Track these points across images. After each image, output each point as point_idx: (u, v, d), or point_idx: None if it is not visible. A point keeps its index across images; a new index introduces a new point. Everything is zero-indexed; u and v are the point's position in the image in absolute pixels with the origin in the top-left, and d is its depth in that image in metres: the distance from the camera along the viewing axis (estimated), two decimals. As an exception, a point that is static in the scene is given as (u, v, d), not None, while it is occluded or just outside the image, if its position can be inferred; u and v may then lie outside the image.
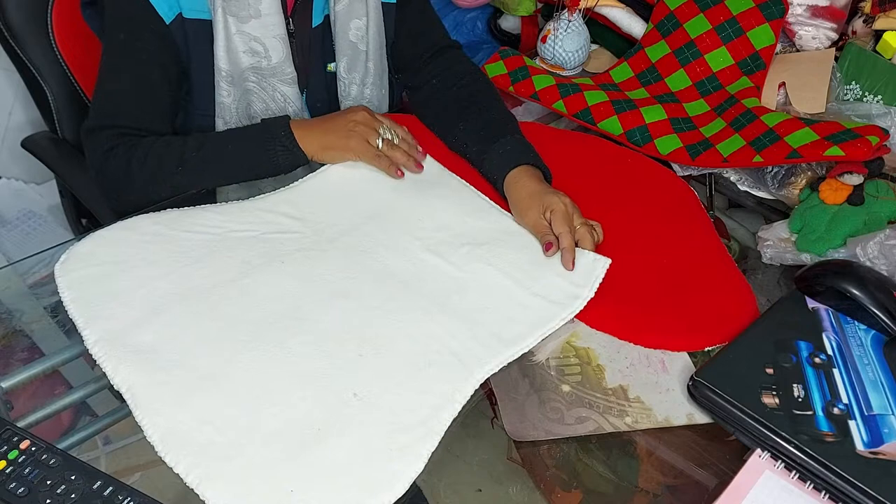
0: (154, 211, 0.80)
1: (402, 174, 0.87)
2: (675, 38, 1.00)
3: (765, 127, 0.85)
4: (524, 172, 0.86)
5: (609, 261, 0.77)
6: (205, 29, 0.87)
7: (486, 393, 0.67)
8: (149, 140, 0.85)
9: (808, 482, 0.57)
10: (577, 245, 0.78)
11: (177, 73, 0.89)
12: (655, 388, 0.67)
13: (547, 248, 0.78)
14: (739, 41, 0.96)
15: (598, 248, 0.80)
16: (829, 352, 0.67)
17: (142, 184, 0.85)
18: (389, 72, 1.04)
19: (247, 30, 0.87)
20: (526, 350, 0.68)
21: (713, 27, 0.98)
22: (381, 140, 0.87)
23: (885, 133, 0.80)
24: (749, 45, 0.96)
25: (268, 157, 0.85)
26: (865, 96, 0.96)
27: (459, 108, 0.96)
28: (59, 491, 0.54)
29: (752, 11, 0.97)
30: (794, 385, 0.63)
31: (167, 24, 0.85)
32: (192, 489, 0.55)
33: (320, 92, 0.99)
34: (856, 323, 0.71)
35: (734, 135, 0.88)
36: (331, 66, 0.98)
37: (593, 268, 0.76)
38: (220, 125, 0.93)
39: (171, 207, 0.81)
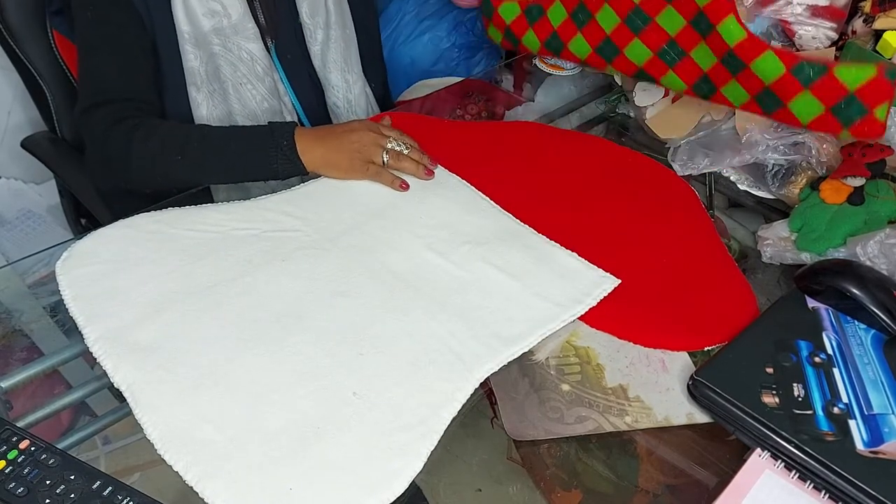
0: (155, 209, 0.80)
1: (407, 186, 0.86)
2: None
3: (760, 84, 0.81)
4: None
5: (618, 281, 0.76)
6: None
7: (486, 392, 0.67)
8: (152, 121, 0.86)
9: (808, 482, 0.57)
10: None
11: (150, 42, 0.89)
12: (655, 387, 0.67)
13: None
14: None
15: (599, 247, 0.80)
16: (829, 351, 0.67)
17: (139, 164, 0.84)
18: (353, 12, 1.05)
19: None
20: (526, 349, 0.68)
21: None
22: (386, 154, 0.87)
23: (891, 80, 0.75)
24: None
25: (267, 163, 0.84)
26: (865, 96, 0.96)
27: None
28: (58, 491, 0.54)
29: None
30: (794, 384, 0.63)
31: None
32: (191, 488, 0.55)
33: (290, 44, 1.00)
34: (856, 322, 0.71)
35: (732, 80, 0.83)
36: (300, 18, 1.00)
37: (601, 283, 0.76)
38: (193, 93, 0.93)
39: (173, 206, 0.81)
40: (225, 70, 0.93)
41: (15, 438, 0.57)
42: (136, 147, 0.83)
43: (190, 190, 0.88)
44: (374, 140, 0.87)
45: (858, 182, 0.81)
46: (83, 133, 0.87)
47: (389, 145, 0.87)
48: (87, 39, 0.88)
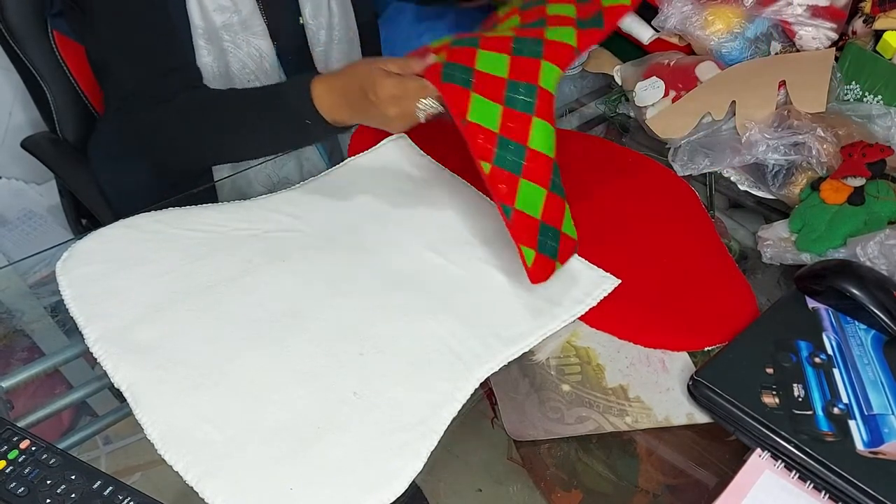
0: (155, 209, 0.80)
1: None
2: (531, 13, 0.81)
3: (525, 136, 0.69)
4: None
5: (618, 281, 0.76)
6: None
7: (486, 392, 0.67)
8: (183, 99, 0.85)
9: (808, 482, 0.58)
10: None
11: (172, 27, 0.89)
12: (655, 387, 0.67)
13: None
14: (590, 4, 0.77)
15: (600, 246, 0.80)
16: (829, 351, 0.67)
17: (181, 142, 0.86)
18: (357, 14, 1.05)
19: None
20: (526, 349, 0.69)
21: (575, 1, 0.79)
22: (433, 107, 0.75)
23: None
24: (597, 5, 0.76)
25: (303, 139, 0.84)
26: (865, 96, 0.96)
27: None
28: (59, 491, 0.54)
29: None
30: (794, 385, 0.63)
31: None
32: (191, 487, 0.55)
33: (292, 45, 1.00)
34: (856, 323, 0.71)
35: (500, 95, 0.70)
36: (301, 19, 0.99)
37: (601, 283, 0.76)
38: None
39: (173, 206, 0.81)
40: (234, 66, 0.94)
41: (16, 438, 0.57)
42: (169, 128, 0.84)
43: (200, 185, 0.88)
44: (408, 110, 0.74)
45: (858, 182, 0.81)
46: (130, 122, 0.88)
47: (421, 107, 0.74)
48: (117, 30, 0.87)
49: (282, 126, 0.80)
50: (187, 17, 0.89)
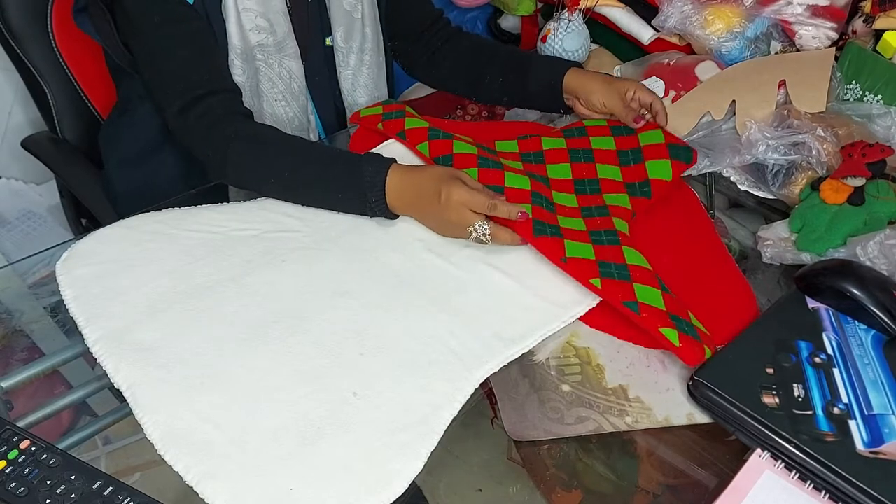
0: (156, 210, 0.80)
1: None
2: (576, 142, 0.94)
3: (621, 259, 0.75)
4: (581, 71, 0.98)
5: None
6: (215, 9, 0.88)
7: (486, 393, 0.67)
8: (247, 131, 0.84)
9: (808, 482, 0.58)
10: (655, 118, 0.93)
11: (215, 41, 0.89)
12: (655, 387, 0.67)
13: (637, 120, 0.93)
14: (636, 168, 0.89)
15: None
16: (829, 351, 0.67)
17: (234, 176, 0.85)
18: (384, 40, 1.06)
19: (250, 6, 0.89)
20: (526, 350, 0.69)
21: (616, 150, 0.92)
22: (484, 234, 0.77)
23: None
24: (643, 173, 0.89)
25: (358, 208, 0.82)
26: (865, 96, 0.96)
27: (477, 57, 1.05)
28: (58, 491, 0.54)
29: (659, 147, 0.91)
30: (794, 385, 0.63)
31: (190, 3, 0.86)
32: (191, 488, 0.55)
33: (319, 66, 1.00)
34: (856, 323, 0.71)
35: (588, 245, 0.77)
36: (329, 41, 1.00)
37: None
38: None
39: (183, 203, 0.81)
40: (264, 85, 0.95)
41: (15, 438, 0.57)
42: (231, 158, 0.83)
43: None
44: (466, 222, 0.77)
45: (859, 182, 0.81)
46: (180, 135, 0.87)
47: (479, 226, 0.77)
48: (159, 42, 0.87)
49: (347, 193, 0.81)
50: (226, 38, 0.89)
